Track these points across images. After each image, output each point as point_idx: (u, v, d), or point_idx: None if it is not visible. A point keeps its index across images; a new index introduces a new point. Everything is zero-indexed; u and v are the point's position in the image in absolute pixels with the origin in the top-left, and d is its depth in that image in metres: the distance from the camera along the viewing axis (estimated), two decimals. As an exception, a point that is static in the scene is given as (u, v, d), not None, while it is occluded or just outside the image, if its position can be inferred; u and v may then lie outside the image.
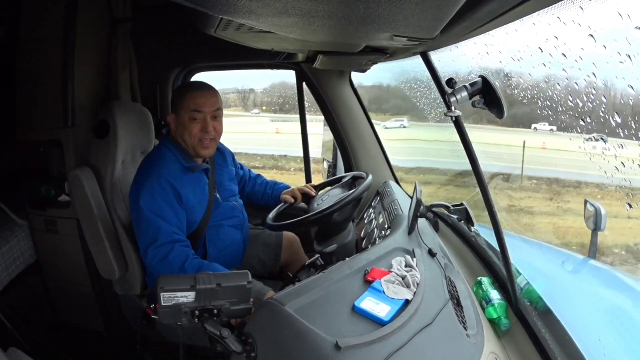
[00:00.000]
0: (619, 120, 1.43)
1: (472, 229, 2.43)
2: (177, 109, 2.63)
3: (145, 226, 2.50)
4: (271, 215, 2.86)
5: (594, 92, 1.52)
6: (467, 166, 1.95)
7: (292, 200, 3.13)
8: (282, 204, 3.06)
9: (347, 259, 2.01)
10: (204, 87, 2.67)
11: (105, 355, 3.32)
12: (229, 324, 1.70)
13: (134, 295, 2.89)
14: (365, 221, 3.06)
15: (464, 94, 1.70)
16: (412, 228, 2.27)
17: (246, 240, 2.94)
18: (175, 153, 2.63)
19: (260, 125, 15.43)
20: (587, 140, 1.68)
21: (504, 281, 2.04)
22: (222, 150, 2.97)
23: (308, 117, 3.99)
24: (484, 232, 2.45)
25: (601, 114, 1.51)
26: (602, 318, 2.09)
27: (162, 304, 1.61)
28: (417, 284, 1.77)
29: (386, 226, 2.56)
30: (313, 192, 3.18)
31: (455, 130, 1.91)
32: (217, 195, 2.79)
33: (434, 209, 2.54)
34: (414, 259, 1.96)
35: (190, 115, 2.58)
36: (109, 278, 2.90)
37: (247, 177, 3.26)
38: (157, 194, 2.50)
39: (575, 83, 1.60)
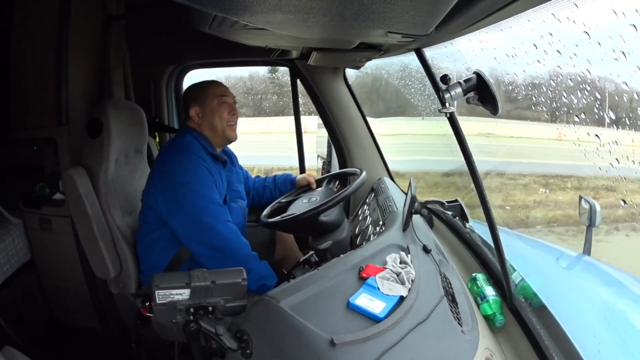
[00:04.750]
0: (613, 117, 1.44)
1: (467, 225, 2.44)
2: (201, 99, 2.74)
3: (195, 204, 2.52)
4: (266, 212, 2.86)
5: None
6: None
7: (314, 185, 3.24)
8: (275, 201, 3.05)
9: (341, 255, 2.02)
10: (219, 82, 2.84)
11: (100, 354, 3.31)
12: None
13: (128, 294, 2.88)
14: (360, 218, 3.06)
15: (458, 90, 1.70)
16: (406, 225, 2.27)
17: None
18: (201, 141, 2.71)
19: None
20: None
21: (499, 277, 2.04)
22: (228, 153, 3.00)
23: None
24: (478, 228, 2.45)
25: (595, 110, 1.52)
26: (596, 314, 2.09)
27: (157, 301, 1.61)
28: (412, 280, 1.77)
29: (381, 223, 2.57)
30: (314, 186, 3.22)
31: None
32: (226, 193, 2.81)
33: (428, 206, 2.54)
34: (409, 255, 1.96)
35: (219, 100, 2.73)
36: (103, 277, 2.88)
37: (250, 181, 3.31)
38: (196, 169, 2.57)
39: (569, 79, 1.61)
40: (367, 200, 3.17)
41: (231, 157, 3.04)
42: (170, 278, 1.64)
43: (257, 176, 3.39)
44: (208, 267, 1.71)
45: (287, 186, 3.29)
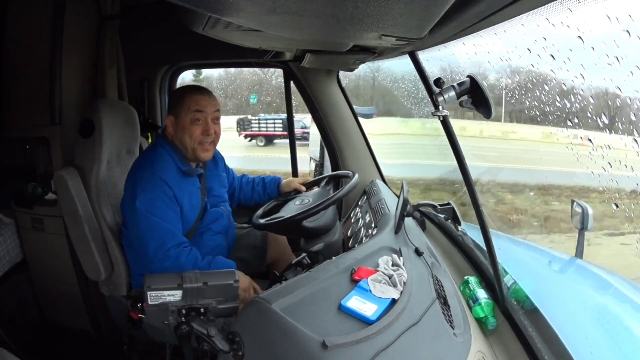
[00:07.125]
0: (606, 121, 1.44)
1: (459, 228, 2.44)
2: (177, 110, 2.59)
3: (147, 229, 2.44)
4: (258, 213, 2.85)
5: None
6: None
7: (304, 189, 3.16)
8: (269, 202, 3.04)
9: (333, 257, 2.01)
10: (203, 89, 2.67)
11: (92, 356, 3.30)
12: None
13: (120, 296, 2.87)
14: (352, 220, 3.06)
15: (452, 93, 1.70)
16: (399, 227, 2.27)
17: (231, 247, 2.92)
18: (172, 155, 2.59)
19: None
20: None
21: (491, 280, 2.04)
22: (214, 156, 2.91)
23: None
24: (471, 231, 2.45)
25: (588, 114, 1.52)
26: (589, 317, 2.10)
27: (149, 302, 1.61)
28: (404, 283, 1.77)
29: (373, 225, 2.57)
30: (303, 189, 3.17)
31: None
32: (206, 201, 2.78)
33: (421, 208, 2.54)
34: (401, 258, 1.96)
35: (192, 117, 2.56)
36: (94, 279, 2.87)
37: (236, 181, 3.24)
38: (156, 196, 2.46)
39: (563, 84, 1.61)
40: (360, 203, 3.16)
41: (217, 161, 2.98)
42: (162, 279, 1.64)
43: (243, 175, 3.30)
44: None
45: (275, 191, 3.23)
